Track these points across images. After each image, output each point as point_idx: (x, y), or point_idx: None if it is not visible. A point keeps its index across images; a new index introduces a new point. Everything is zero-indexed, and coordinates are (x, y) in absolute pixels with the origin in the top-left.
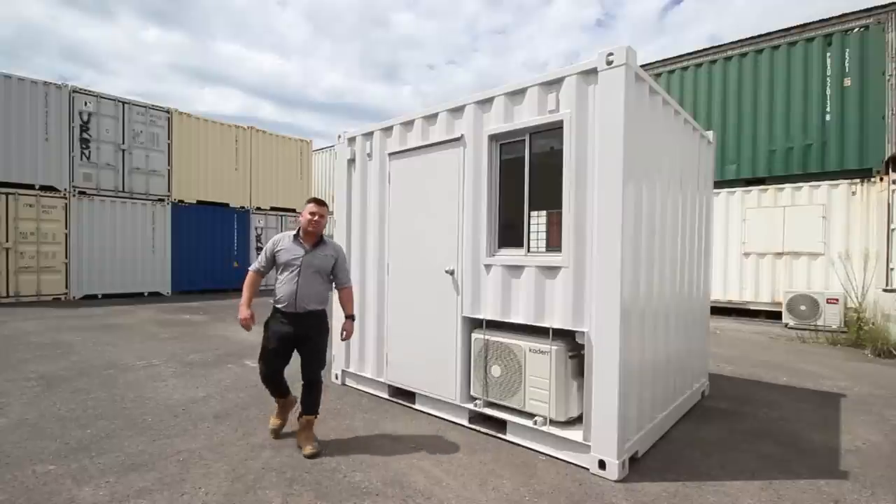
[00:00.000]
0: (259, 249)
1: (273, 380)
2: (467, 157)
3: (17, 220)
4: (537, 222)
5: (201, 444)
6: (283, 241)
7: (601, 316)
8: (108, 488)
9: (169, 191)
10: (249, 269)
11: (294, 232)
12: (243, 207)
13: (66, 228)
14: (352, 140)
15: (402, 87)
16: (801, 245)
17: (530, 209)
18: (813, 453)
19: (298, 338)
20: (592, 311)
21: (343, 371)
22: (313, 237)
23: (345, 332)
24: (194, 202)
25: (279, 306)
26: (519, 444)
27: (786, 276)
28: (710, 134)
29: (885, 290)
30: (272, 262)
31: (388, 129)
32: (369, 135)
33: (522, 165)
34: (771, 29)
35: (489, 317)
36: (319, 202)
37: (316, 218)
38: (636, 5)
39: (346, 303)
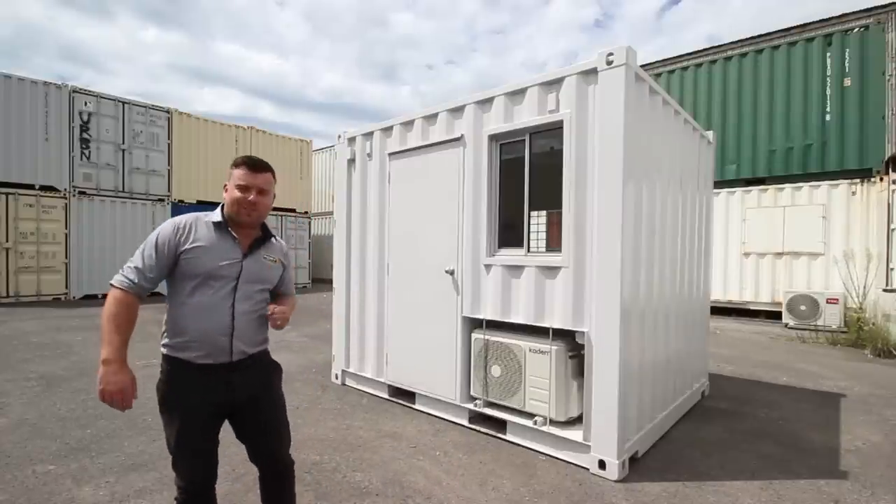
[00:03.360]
0: None
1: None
2: (467, 157)
3: (17, 220)
4: (537, 222)
5: None
6: (196, 230)
7: (601, 316)
8: (108, 488)
9: (169, 191)
10: (114, 282)
11: (216, 218)
12: None
13: (66, 228)
14: (352, 140)
15: (401, 87)
16: (801, 245)
17: (530, 209)
18: (813, 453)
19: (236, 406)
20: (592, 311)
21: (343, 371)
22: (251, 230)
23: (277, 316)
24: (194, 202)
25: (190, 356)
26: (519, 444)
27: (786, 276)
28: (710, 134)
29: (885, 290)
30: (171, 267)
31: (388, 129)
32: (369, 135)
33: (522, 165)
34: (767, 28)
35: (489, 317)
36: (257, 165)
37: (251, 197)
38: (634, 5)
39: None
